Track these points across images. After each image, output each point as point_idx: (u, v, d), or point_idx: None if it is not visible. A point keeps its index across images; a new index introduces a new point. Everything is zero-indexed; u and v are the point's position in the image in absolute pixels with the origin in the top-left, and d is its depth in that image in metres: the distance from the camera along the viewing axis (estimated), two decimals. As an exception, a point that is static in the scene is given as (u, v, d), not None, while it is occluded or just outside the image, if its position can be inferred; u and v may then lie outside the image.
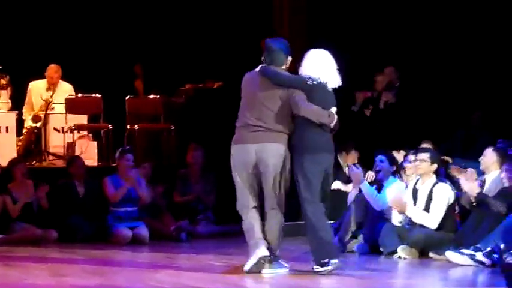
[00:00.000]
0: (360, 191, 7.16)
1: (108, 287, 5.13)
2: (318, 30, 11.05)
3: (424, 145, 7.76)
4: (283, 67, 5.43)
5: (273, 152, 5.24)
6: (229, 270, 5.62)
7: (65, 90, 10.04)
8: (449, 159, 8.06)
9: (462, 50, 11.06)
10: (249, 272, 5.23)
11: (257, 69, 5.49)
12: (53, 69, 10.01)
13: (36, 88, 10.09)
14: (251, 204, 5.38)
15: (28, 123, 9.97)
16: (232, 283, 5.18)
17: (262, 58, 5.58)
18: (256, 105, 5.36)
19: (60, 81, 10.18)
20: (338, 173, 7.98)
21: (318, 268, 5.18)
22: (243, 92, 5.58)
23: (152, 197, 8.48)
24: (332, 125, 5.26)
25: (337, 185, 7.93)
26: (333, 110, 5.32)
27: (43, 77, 10.14)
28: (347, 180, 7.67)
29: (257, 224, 5.39)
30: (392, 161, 7.46)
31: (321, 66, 5.43)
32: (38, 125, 9.84)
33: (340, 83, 5.57)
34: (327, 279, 5.31)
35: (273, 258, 5.26)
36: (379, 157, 7.47)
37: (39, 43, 11.20)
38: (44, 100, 9.90)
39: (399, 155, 7.67)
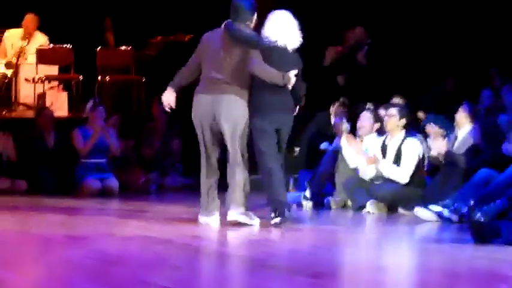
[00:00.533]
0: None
1: (75, 238, 5.09)
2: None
3: (395, 100, 7.93)
4: (248, 25, 5.57)
5: (229, 104, 5.42)
6: (198, 223, 5.69)
7: (40, 41, 10.03)
8: (423, 115, 8.21)
9: (437, 15, 10.92)
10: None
11: (222, 26, 5.67)
12: (29, 18, 9.95)
13: (12, 36, 10.14)
14: (209, 157, 5.63)
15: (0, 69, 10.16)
16: (200, 236, 5.33)
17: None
18: (217, 60, 5.54)
19: (36, 32, 10.16)
20: (327, 128, 8.22)
21: (275, 220, 5.43)
22: (206, 47, 5.74)
23: (122, 149, 8.56)
24: (289, 86, 5.46)
25: (324, 145, 8.18)
26: (292, 72, 5.42)
27: (20, 26, 10.14)
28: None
29: (209, 182, 5.66)
30: (377, 117, 7.43)
31: (281, 28, 5.60)
32: (9, 73, 9.84)
33: (301, 42, 5.78)
34: (293, 233, 5.46)
35: (242, 212, 5.48)
36: (364, 113, 7.56)
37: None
38: (18, 49, 9.95)
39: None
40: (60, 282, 3.51)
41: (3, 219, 6.17)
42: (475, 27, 10.81)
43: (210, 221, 5.62)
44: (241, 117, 5.53)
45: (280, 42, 5.59)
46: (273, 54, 5.58)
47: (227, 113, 5.48)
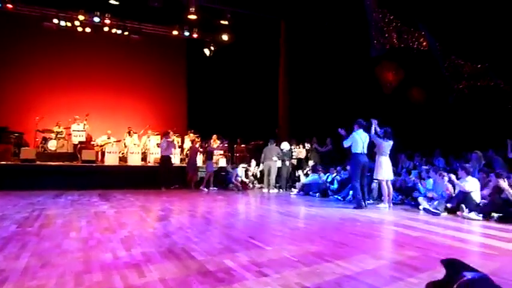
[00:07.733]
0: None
1: (227, 206, 9.01)
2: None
3: (311, 163, 15.30)
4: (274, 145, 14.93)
5: (275, 164, 15.01)
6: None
7: (217, 143, 16.82)
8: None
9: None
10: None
11: (270, 143, 15.15)
12: (215, 137, 17.00)
13: (213, 142, 16.92)
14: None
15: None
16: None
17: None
18: (271, 152, 14.79)
19: (216, 140, 16.71)
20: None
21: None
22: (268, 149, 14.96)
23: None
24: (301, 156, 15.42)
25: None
26: (295, 153, 15.43)
27: (212, 139, 16.90)
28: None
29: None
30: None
31: (284, 147, 15.28)
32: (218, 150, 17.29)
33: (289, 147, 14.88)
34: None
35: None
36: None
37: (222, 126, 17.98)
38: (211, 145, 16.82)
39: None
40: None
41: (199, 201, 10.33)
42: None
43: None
44: (275, 164, 14.56)
45: (286, 149, 14.88)
46: (286, 153, 14.80)
47: (273, 165, 14.64)
